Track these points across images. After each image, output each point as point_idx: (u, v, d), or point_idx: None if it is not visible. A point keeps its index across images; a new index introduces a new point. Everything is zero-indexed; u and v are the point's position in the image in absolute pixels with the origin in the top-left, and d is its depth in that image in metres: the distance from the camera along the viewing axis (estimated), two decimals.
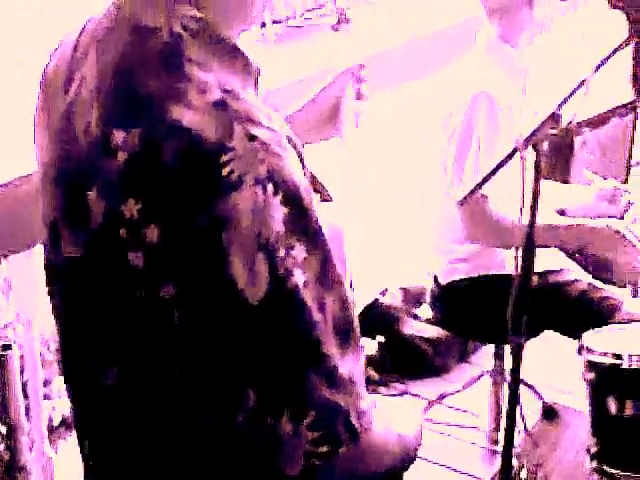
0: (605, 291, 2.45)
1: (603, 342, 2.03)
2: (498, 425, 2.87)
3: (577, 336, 2.13)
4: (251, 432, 1.01)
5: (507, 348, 2.80)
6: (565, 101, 1.82)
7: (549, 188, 2.60)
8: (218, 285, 0.98)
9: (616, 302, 2.41)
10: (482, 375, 2.93)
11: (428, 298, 2.76)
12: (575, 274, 2.52)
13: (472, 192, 1.97)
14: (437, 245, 2.66)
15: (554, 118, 1.83)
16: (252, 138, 0.98)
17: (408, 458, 1.15)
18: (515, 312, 1.76)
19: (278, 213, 0.97)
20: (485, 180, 1.93)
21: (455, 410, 3.09)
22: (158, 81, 0.99)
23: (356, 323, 1.04)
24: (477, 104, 2.35)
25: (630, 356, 1.95)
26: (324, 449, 1.00)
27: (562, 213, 2.66)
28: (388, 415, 1.11)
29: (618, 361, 1.96)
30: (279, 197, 0.98)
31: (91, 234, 1.04)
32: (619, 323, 2.29)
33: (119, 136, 0.99)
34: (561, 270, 2.51)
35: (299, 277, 0.98)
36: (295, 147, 1.03)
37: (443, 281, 2.62)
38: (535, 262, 1.77)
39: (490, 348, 3.07)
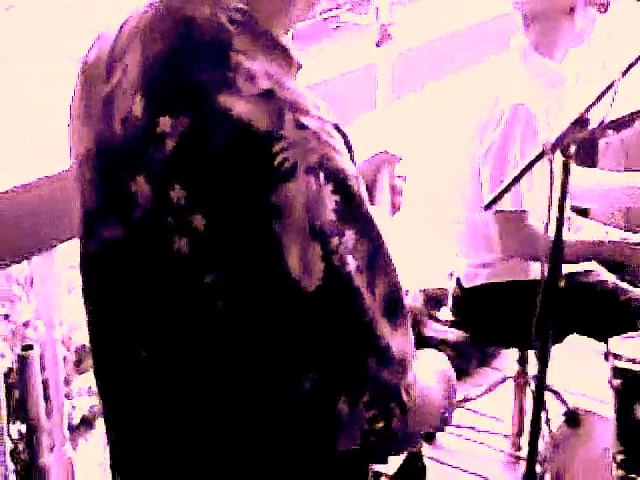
0: (632, 292, 2.43)
1: (630, 348, 2.00)
2: (521, 430, 2.84)
3: (603, 339, 2.10)
4: (307, 416, 1.03)
5: (530, 352, 2.79)
6: (593, 104, 1.79)
7: (578, 172, 2.55)
8: (270, 274, 0.98)
9: None
10: (505, 379, 2.91)
11: (450, 301, 2.73)
12: (601, 275, 2.49)
13: (500, 196, 1.94)
14: (461, 245, 2.63)
15: (582, 122, 1.80)
16: (302, 127, 0.97)
17: (451, 393, 1.19)
18: (541, 316, 1.74)
19: (330, 201, 0.97)
20: (512, 184, 1.91)
21: (478, 415, 3.07)
22: (206, 70, 1.00)
23: (404, 300, 1.06)
24: (516, 118, 2.30)
25: None
26: (380, 425, 1.03)
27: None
28: (424, 363, 1.14)
29: None
30: (330, 185, 0.98)
31: (135, 221, 1.04)
32: None
33: (166, 123, 0.99)
34: (587, 272, 2.48)
35: (352, 263, 0.99)
36: (344, 136, 1.03)
37: (465, 284, 2.60)
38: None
39: (512, 352, 3.05)
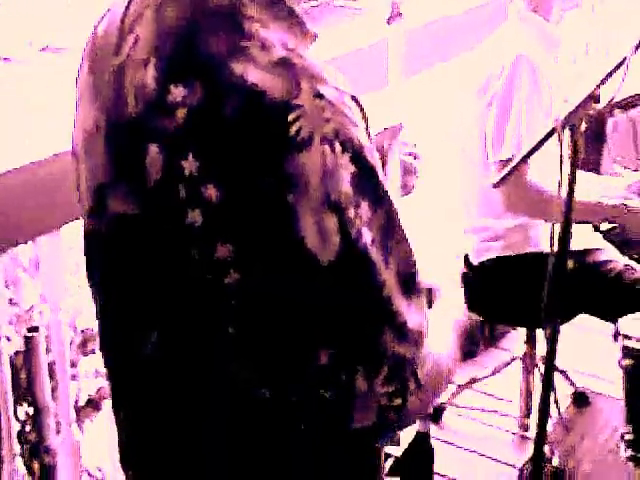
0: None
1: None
2: (529, 411, 2.83)
3: (612, 319, 2.09)
4: (322, 392, 1.01)
5: (539, 333, 2.78)
6: (604, 81, 1.77)
7: (580, 179, 2.55)
8: (285, 246, 0.96)
9: None
10: (513, 360, 2.90)
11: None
12: (610, 254, 2.47)
13: (509, 174, 1.92)
14: (470, 221, 2.62)
15: (593, 98, 1.78)
16: (319, 96, 0.96)
17: (463, 346, 1.17)
18: (551, 294, 1.72)
19: (346, 172, 0.96)
20: (522, 161, 1.89)
21: (485, 395, 3.06)
22: (219, 39, 0.98)
23: (418, 273, 1.04)
24: (518, 67, 2.32)
25: None
26: (397, 402, 1.02)
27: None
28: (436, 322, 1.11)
29: None
30: (347, 156, 0.96)
31: (147, 192, 1.02)
32: None
33: (178, 92, 0.97)
34: (597, 250, 2.47)
35: (367, 235, 0.97)
36: (360, 107, 1.01)
37: (475, 261, 2.58)
38: (571, 241, 1.73)
39: (518, 333, 3.04)
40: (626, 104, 3.17)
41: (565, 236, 1.75)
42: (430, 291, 1.14)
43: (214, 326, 1.02)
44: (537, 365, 2.78)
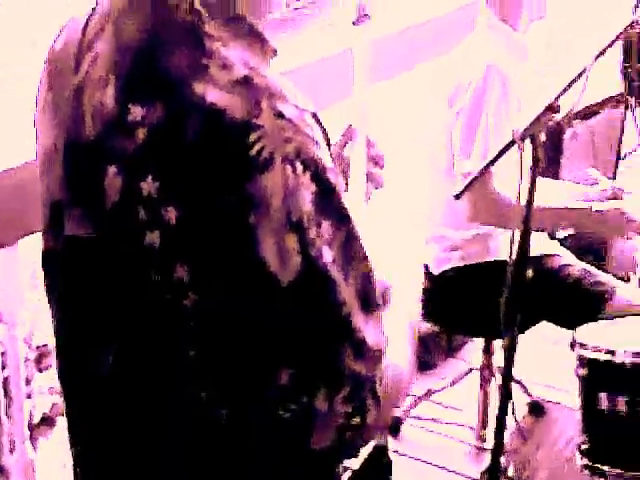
0: (599, 276, 2.42)
1: (596, 337, 2.01)
2: (486, 422, 2.85)
3: (571, 326, 2.10)
4: (282, 414, 1.01)
5: (496, 343, 2.80)
6: (564, 91, 1.79)
7: (540, 185, 2.58)
8: (245, 267, 0.96)
9: (610, 288, 2.38)
10: (470, 371, 2.91)
11: None
12: (568, 259, 2.49)
13: (469, 185, 1.94)
14: (431, 231, 2.63)
15: (553, 109, 1.80)
16: (280, 115, 0.96)
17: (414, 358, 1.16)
18: (510, 302, 1.74)
19: (307, 192, 0.96)
20: (482, 172, 1.91)
21: (443, 407, 3.07)
22: (181, 55, 0.97)
23: (376, 289, 1.04)
24: (488, 78, 2.32)
25: (624, 352, 1.93)
26: (356, 421, 1.02)
27: None
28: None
29: (611, 357, 1.94)
30: (308, 175, 0.96)
31: (105, 213, 1.01)
32: (613, 311, 2.27)
33: (138, 112, 0.97)
34: (555, 255, 2.48)
35: (328, 255, 0.97)
36: (321, 125, 1.01)
37: (435, 271, 2.59)
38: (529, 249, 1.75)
39: (476, 343, 3.05)
40: (585, 114, 3.21)
41: (524, 244, 1.77)
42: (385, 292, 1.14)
43: (173, 347, 1.01)
44: (494, 376, 2.80)
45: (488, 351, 2.82)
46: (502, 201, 2.33)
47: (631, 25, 1.88)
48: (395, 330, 1.12)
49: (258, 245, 0.94)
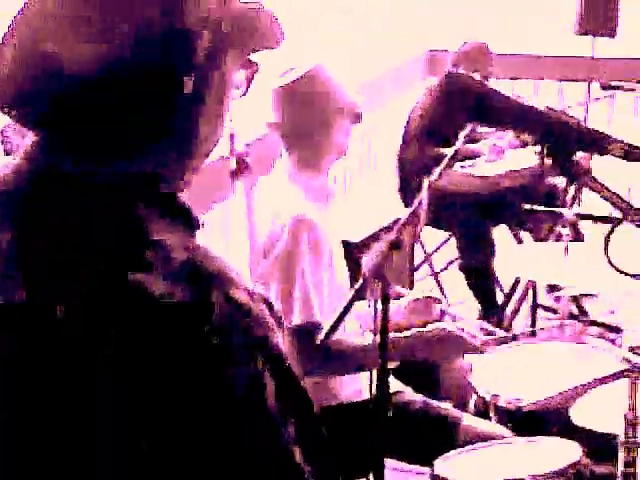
0: (442, 408, 2.44)
1: (456, 468, 2.02)
2: None
3: (426, 459, 2.10)
4: None
5: None
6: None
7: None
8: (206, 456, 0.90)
9: (455, 417, 2.40)
10: None
11: None
12: (410, 395, 2.51)
13: (327, 336, 1.91)
14: None
15: (396, 244, 1.86)
16: (232, 302, 0.91)
17: None
18: (371, 443, 1.73)
19: (269, 383, 0.91)
20: (334, 327, 1.89)
21: None
22: (115, 245, 0.91)
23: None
24: (299, 230, 2.27)
25: None
26: None
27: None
28: None
29: None
30: (268, 366, 0.92)
31: None
32: (461, 439, 2.29)
33: (62, 310, 0.90)
34: (398, 392, 2.49)
35: (289, 433, 0.92)
36: (272, 308, 0.96)
37: None
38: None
39: None
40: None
41: (382, 385, 1.78)
42: None
43: None
44: None
45: None
46: (337, 346, 2.26)
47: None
48: None
49: (216, 436, 0.90)
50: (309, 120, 2.39)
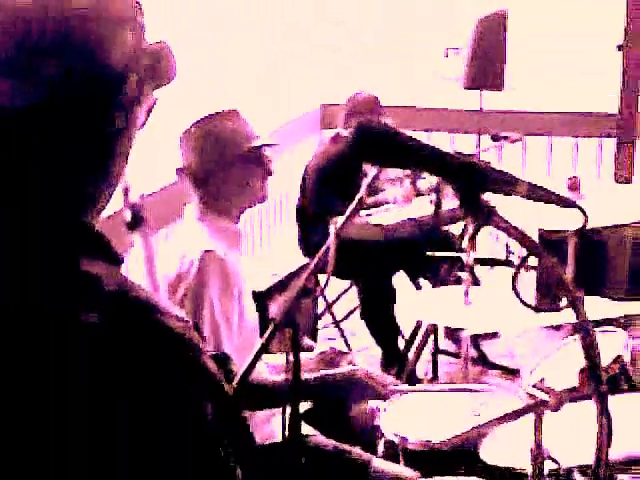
0: (352, 451, 2.46)
1: None
2: None
3: None
4: None
5: None
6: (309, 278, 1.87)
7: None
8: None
9: (365, 460, 2.42)
10: None
11: None
12: (320, 438, 2.51)
13: (245, 375, 1.90)
14: None
15: (306, 292, 1.87)
16: (162, 328, 0.92)
17: None
18: None
19: (207, 405, 0.93)
20: (247, 374, 1.88)
21: None
22: (45, 276, 0.90)
23: None
24: (208, 266, 2.30)
25: None
26: None
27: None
28: None
29: None
30: (204, 388, 0.93)
31: None
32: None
33: None
34: (308, 435, 2.49)
35: (230, 454, 0.94)
36: (199, 331, 0.99)
37: None
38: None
39: None
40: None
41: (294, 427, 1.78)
42: None
43: None
44: None
45: None
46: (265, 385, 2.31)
47: None
48: None
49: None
50: (208, 163, 2.42)
